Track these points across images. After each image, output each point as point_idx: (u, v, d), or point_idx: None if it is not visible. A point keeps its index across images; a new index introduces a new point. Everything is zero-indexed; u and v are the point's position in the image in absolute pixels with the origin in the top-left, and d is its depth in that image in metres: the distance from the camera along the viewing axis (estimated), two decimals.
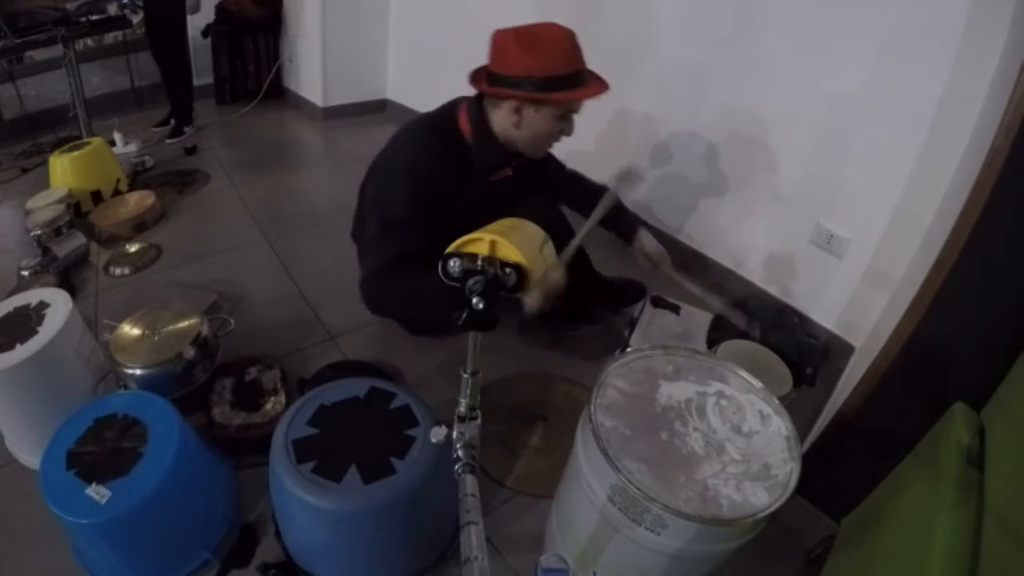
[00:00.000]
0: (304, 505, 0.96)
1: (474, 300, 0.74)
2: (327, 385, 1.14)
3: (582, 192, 1.63)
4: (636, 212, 2.18)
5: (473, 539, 0.66)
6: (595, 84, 1.30)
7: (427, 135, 1.39)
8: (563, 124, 1.33)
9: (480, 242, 0.78)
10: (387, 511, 0.97)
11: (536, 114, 1.29)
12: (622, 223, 1.60)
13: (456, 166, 1.37)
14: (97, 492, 0.96)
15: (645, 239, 1.57)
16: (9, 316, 1.28)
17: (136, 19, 2.70)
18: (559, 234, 1.32)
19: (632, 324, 1.68)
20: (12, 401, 1.24)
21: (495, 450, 1.40)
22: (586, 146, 2.19)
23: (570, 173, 1.73)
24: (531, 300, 1.33)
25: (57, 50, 2.51)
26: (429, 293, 1.31)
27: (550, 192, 1.64)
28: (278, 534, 1.14)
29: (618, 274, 1.86)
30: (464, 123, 1.38)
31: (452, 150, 1.38)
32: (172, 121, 3.13)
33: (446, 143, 1.38)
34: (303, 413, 1.08)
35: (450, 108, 1.44)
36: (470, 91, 1.38)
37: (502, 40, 1.26)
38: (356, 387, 1.14)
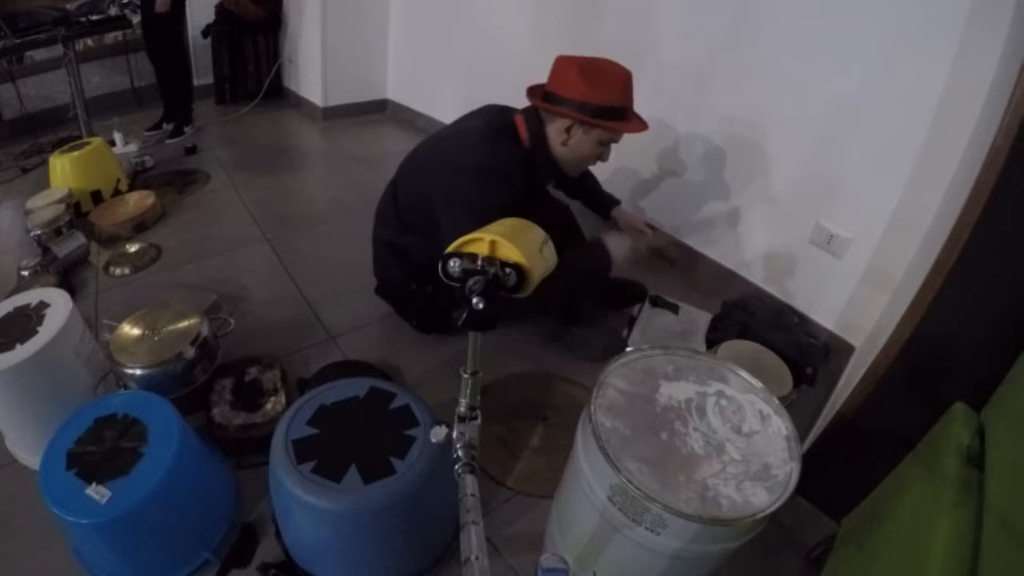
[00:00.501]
0: (304, 505, 0.96)
1: (474, 300, 0.74)
2: (327, 385, 1.14)
3: (585, 189, 1.80)
4: (636, 213, 2.19)
5: (473, 539, 0.65)
6: (638, 122, 1.41)
7: (503, 141, 1.41)
8: (603, 149, 1.43)
9: (480, 242, 0.78)
10: (387, 511, 0.97)
11: (584, 136, 1.38)
12: (606, 202, 1.80)
13: (526, 173, 1.43)
14: (97, 492, 0.96)
15: (625, 213, 1.78)
16: (9, 316, 1.28)
17: (136, 19, 2.70)
18: (562, 233, 1.33)
19: (632, 324, 1.68)
20: (12, 401, 1.24)
21: (495, 450, 1.40)
22: None
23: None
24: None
25: (57, 50, 2.51)
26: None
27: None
28: (278, 534, 1.14)
29: (618, 274, 1.86)
30: (524, 132, 1.43)
31: (521, 158, 1.43)
32: (163, 125, 3.12)
33: (519, 151, 1.43)
34: (303, 413, 1.08)
35: (506, 117, 1.45)
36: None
37: (566, 67, 1.34)
38: (356, 387, 1.14)
